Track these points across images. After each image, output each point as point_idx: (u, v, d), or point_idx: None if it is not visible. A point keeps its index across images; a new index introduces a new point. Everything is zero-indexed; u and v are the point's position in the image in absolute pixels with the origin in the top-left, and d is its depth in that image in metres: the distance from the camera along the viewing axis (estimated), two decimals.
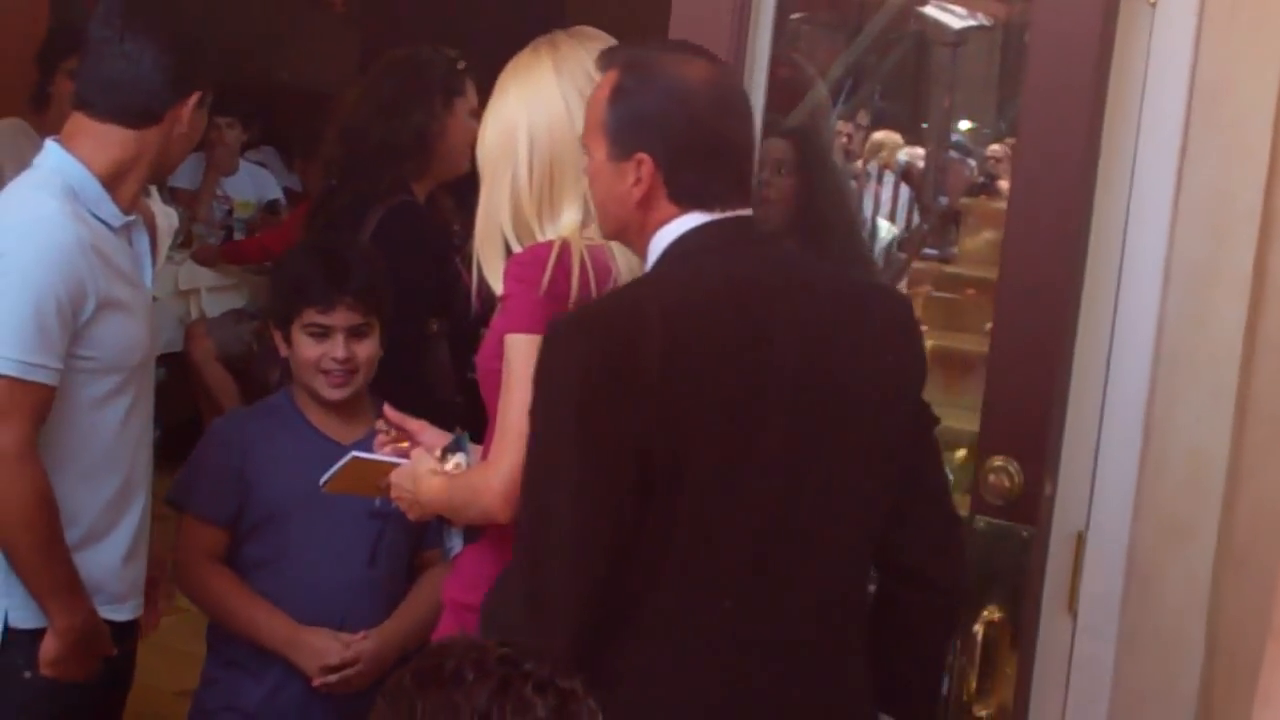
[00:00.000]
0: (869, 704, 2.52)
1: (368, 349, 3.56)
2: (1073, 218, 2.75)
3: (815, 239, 4.30)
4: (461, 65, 4.08)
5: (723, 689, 2.37)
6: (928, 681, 2.63)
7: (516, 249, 2.72)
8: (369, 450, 3.00)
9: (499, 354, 2.68)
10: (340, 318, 3.51)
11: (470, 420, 2.99)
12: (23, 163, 3.16)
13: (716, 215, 2.43)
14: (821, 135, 4.57)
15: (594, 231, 2.68)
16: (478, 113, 3.96)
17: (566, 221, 2.71)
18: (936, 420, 2.56)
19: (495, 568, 2.71)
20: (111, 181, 3.04)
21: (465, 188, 3.60)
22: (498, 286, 2.74)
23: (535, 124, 2.73)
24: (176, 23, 3.10)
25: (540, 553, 2.34)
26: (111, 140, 3.04)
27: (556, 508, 2.32)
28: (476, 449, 2.86)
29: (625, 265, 2.68)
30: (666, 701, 2.36)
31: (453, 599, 2.82)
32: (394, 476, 2.88)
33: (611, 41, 2.76)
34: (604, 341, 2.32)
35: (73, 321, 2.94)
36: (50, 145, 3.08)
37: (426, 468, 2.82)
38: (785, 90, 4.60)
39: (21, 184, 3.08)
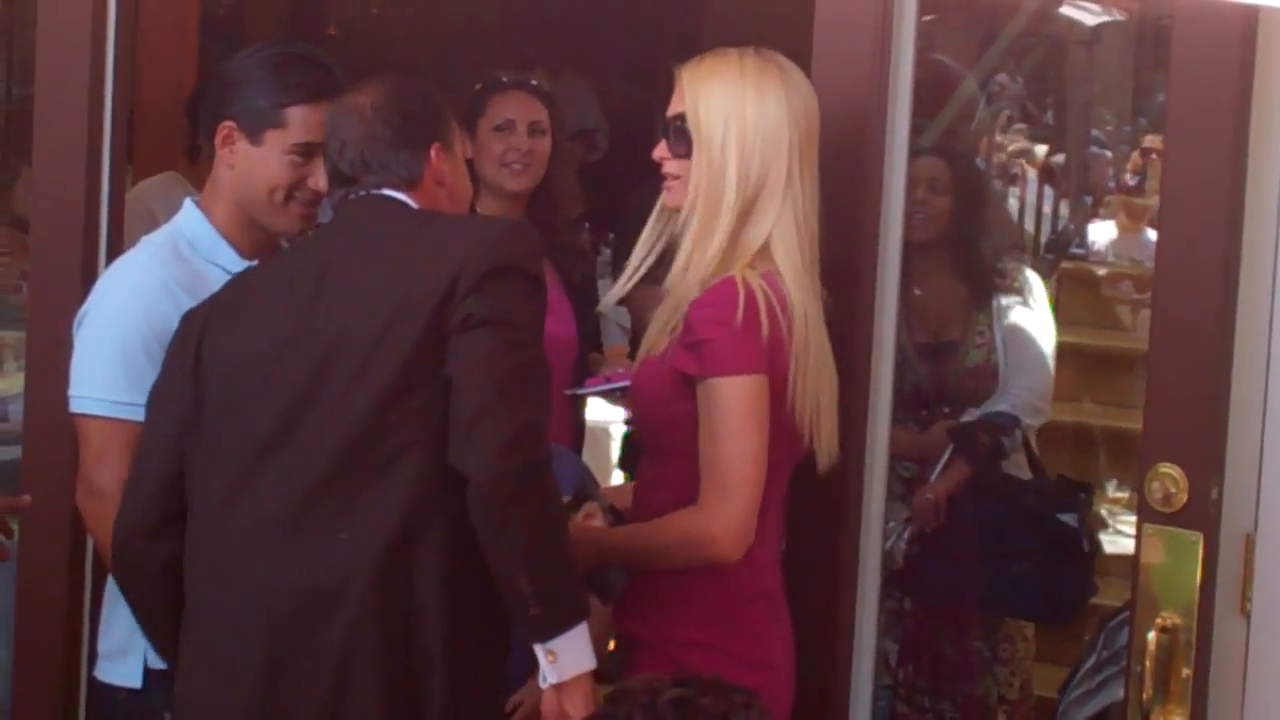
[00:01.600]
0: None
1: None
2: (1224, 222, 2.75)
3: (967, 253, 4.32)
4: (478, 87, 4.09)
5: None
6: (506, 582, 2.62)
7: (705, 252, 2.77)
8: None
9: (681, 394, 2.74)
10: None
11: None
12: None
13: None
14: (972, 150, 4.57)
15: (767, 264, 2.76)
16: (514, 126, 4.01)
17: (750, 240, 2.78)
18: (486, 323, 2.63)
19: (704, 597, 2.80)
20: (230, 229, 3.15)
21: None
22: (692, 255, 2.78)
23: (763, 130, 2.79)
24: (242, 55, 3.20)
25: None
26: (211, 193, 3.19)
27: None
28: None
29: (796, 289, 2.74)
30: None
31: (662, 635, 2.84)
32: None
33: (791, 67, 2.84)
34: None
35: (162, 357, 3.00)
36: (186, 202, 3.23)
37: (584, 528, 2.85)
38: (931, 92, 4.62)
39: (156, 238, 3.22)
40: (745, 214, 2.77)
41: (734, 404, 2.68)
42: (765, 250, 2.78)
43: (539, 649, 2.62)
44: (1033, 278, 4.45)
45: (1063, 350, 4.71)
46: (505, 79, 4.14)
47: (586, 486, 2.94)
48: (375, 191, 2.85)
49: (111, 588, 3.17)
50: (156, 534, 2.84)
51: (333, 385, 2.69)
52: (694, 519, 2.72)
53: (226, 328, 2.82)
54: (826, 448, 2.82)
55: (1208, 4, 2.65)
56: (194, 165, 5.13)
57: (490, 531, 2.60)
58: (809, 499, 3.00)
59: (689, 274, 2.79)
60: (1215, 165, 2.74)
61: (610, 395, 3.98)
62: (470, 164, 3.90)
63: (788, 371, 2.74)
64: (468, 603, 2.68)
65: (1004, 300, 4.35)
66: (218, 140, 3.12)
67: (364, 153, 2.85)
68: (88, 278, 3.44)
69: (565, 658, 2.62)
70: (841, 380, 2.89)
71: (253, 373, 2.76)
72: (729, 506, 2.67)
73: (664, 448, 2.86)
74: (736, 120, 2.77)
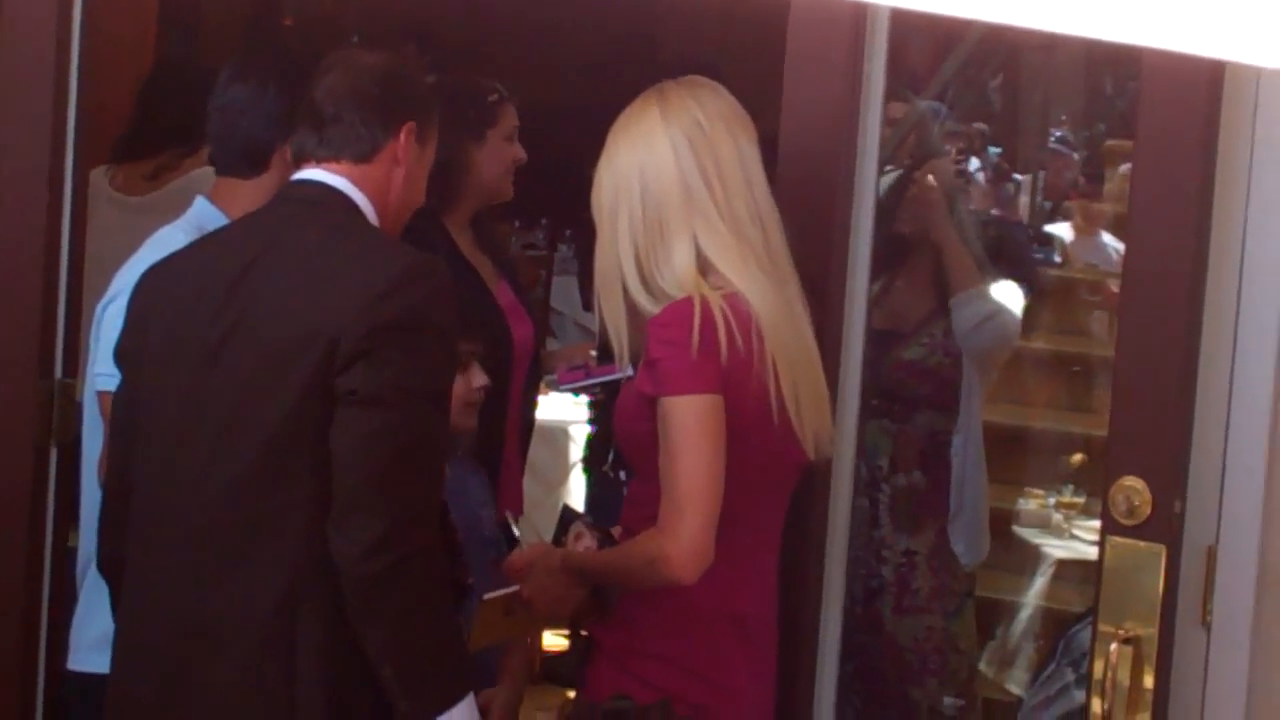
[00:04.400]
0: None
1: None
2: (1191, 236, 2.78)
3: (935, 266, 4.32)
4: (494, 96, 4.10)
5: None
6: (375, 669, 2.64)
7: (636, 293, 2.78)
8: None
9: (644, 415, 2.74)
10: None
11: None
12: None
13: None
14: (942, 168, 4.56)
15: (720, 279, 2.76)
16: (516, 136, 4.03)
17: (679, 264, 2.77)
18: (366, 402, 2.60)
19: (661, 611, 2.80)
20: None
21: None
22: (620, 331, 2.81)
23: (645, 169, 2.80)
24: (269, 66, 3.30)
25: None
26: (237, 191, 3.25)
27: None
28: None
29: (762, 308, 2.75)
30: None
31: (618, 643, 2.86)
32: (530, 585, 2.89)
33: (719, 89, 2.85)
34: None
35: None
36: (198, 200, 3.32)
37: (559, 555, 2.89)
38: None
39: (165, 235, 3.27)
40: (653, 247, 2.78)
41: (685, 423, 2.68)
42: (715, 269, 2.79)
43: None
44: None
45: (1021, 354, 4.74)
46: (505, 90, 4.14)
47: (581, 521, 2.94)
48: (320, 179, 2.82)
49: (91, 579, 3.20)
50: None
51: (222, 419, 2.69)
52: (650, 540, 2.72)
53: (144, 320, 2.85)
54: (818, 447, 2.85)
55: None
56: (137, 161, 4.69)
57: (356, 620, 2.62)
58: None
59: (639, 307, 2.80)
60: (1182, 180, 2.77)
61: (590, 389, 4.00)
62: (461, 171, 3.92)
63: (764, 390, 2.74)
64: (349, 676, 2.67)
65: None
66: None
67: (341, 105, 2.84)
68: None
69: None
70: None
71: (158, 378, 2.79)
72: (680, 526, 2.67)
73: (639, 468, 2.87)
74: (610, 182, 2.82)
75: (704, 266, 2.78)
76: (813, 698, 3.17)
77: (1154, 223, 2.79)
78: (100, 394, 3.19)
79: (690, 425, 2.67)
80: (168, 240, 3.17)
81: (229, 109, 3.26)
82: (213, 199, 3.29)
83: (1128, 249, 2.90)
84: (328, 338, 2.62)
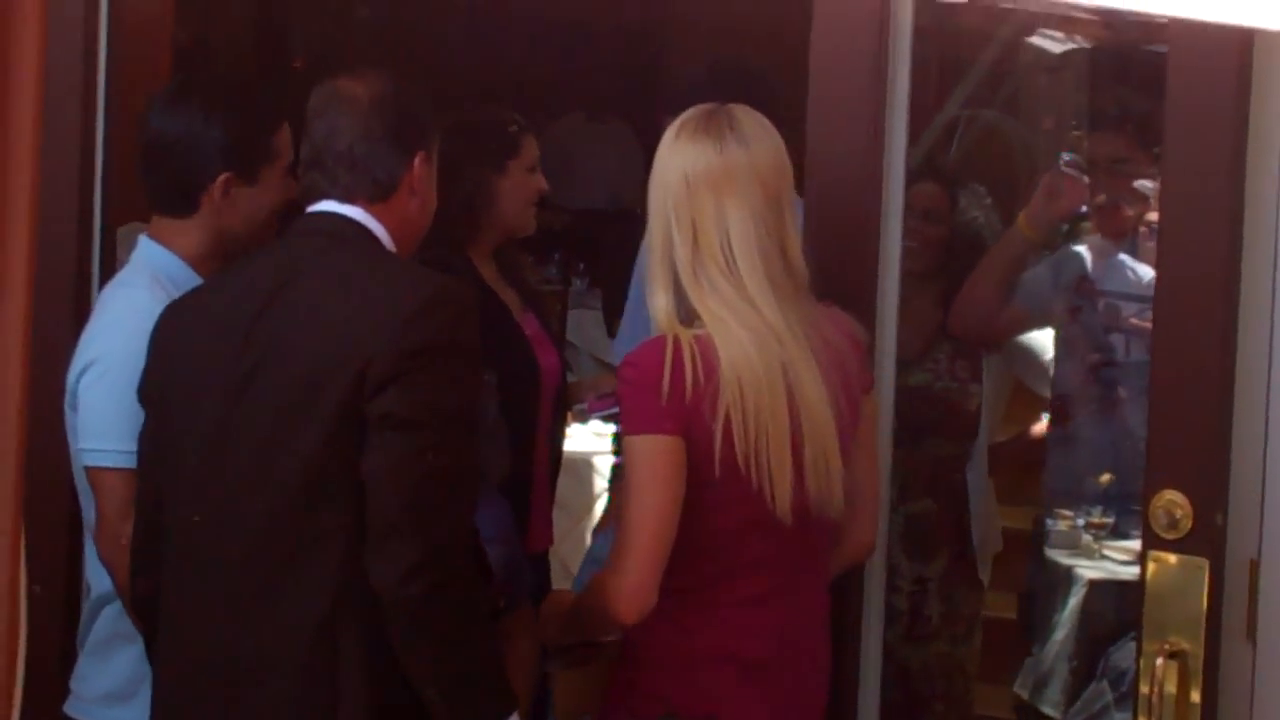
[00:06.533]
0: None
1: None
2: (1224, 249, 2.77)
3: (938, 291, 4.32)
4: (514, 127, 4.09)
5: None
6: (419, 691, 2.65)
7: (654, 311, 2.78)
8: None
9: None
10: None
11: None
12: None
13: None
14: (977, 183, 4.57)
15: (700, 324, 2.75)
16: (538, 167, 4.02)
17: (659, 305, 2.77)
18: (400, 426, 2.60)
19: (663, 650, 2.79)
20: (197, 264, 3.13)
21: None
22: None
23: (653, 194, 2.81)
24: (197, 102, 3.14)
25: None
26: (174, 230, 3.14)
27: None
28: None
29: (725, 354, 2.71)
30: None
31: (622, 677, 2.85)
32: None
33: (728, 134, 2.79)
34: None
35: None
36: (141, 239, 3.19)
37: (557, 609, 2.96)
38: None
39: (115, 283, 3.21)
40: (654, 279, 2.78)
41: (637, 462, 2.70)
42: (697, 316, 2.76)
43: None
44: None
45: None
46: (523, 121, 4.14)
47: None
48: (336, 210, 2.80)
49: (103, 626, 3.16)
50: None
51: (255, 450, 2.69)
52: (600, 579, 2.75)
53: (168, 358, 2.82)
54: (781, 500, 2.72)
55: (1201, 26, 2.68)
56: None
57: (398, 644, 2.62)
58: None
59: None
60: (1213, 193, 2.77)
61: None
62: (484, 204, 3.91)
63: (713, 434, 2.69)
64: (393, 700, 2.66)
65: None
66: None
67: (353, 147, 2.79)
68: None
69: None
70: None
71: (186, 414, 2.77)
72: (622, 564, 2.69)
73: None
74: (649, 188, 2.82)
75: (689, 312, 2.76)
76: None
77: (1185, 235, 2.79)
78: (89, 470, 3.05)
79: (641, 465, 2.69)
80: (134, 301, 3.06)
81: (153, 149, 3.12)
82: (156, 239, 3.16)
83: (1160, 263, 2.89)
84: (359, 363, 2.61)
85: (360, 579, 2.61)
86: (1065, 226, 6.71)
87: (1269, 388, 2.82)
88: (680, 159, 2.77)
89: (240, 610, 2.70)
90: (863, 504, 2.89)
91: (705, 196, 2.75)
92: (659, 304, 2.77)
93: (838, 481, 2.78)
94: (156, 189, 3.16)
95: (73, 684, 3.25)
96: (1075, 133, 6.65)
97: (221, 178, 3.09)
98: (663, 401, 2.67)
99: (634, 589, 2.68)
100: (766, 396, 2.71)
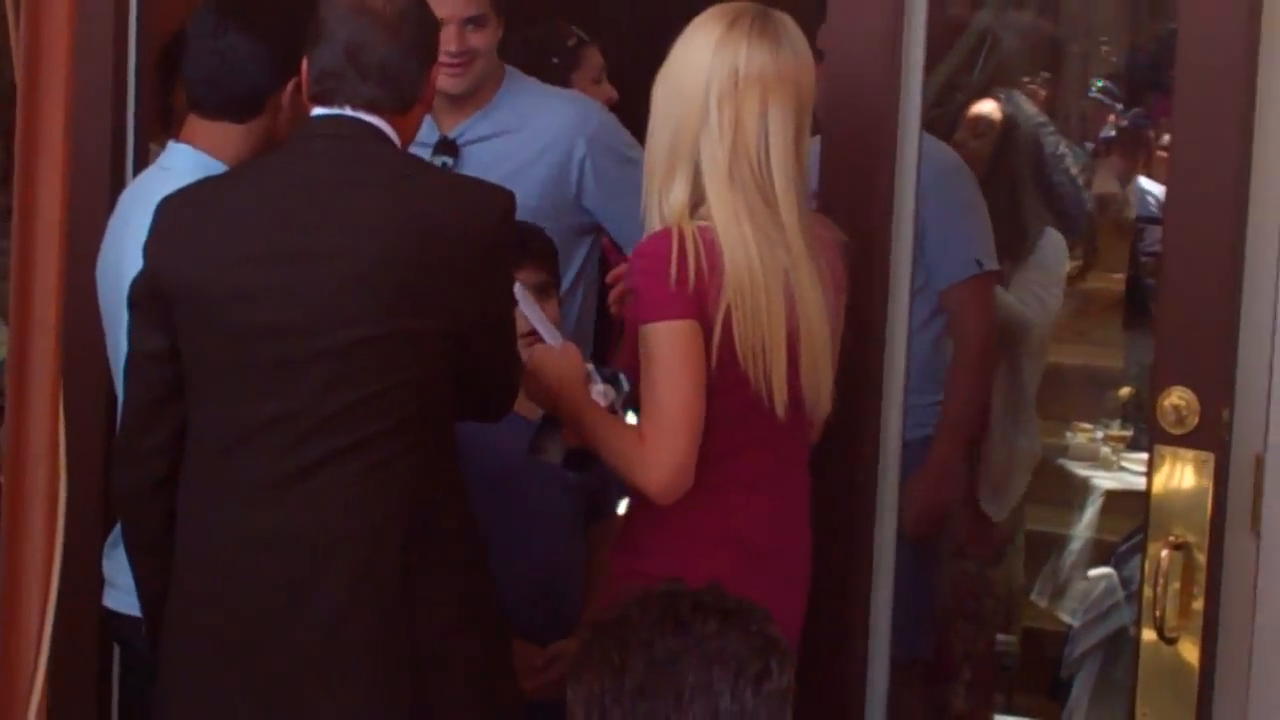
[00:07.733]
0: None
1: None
2: (1234, 143, 2.80)
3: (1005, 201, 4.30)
4: (572, 41, 4.09)
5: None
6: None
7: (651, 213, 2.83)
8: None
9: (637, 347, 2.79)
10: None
11: None
12: None
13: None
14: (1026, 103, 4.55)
15: (703, 211, 2.79)
16: (603, 77, 4.05)
17: (676, 199, 2.80)
18: (496, 324, 2.77)
19: (665, 534, 2.84)
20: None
21: None
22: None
23: (686, 87, 2.81)
24: (267, 12, 3.14)
25: None
26: (228, 136, 3.11)
27: None
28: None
29: (728, 241, 2.76)
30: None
31: (623, 566, 2.90)
32: (538, 355, 2.93)
33: (781, 37, 2.83)
34: None
35: None
36: (176, 146, 3.16)
37: (579, 376, 2.89)
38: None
39: (156, 187, 3.05)
40: (670, 171, 2.81)
41: (662, 348, 2.74)
42: (707, 209, 2.80)
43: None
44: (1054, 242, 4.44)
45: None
46: (583, 34, 4.15)
47: (618, 377, 2.91)
48: (355, 116, 2.77)
49: None
50: (154, 494, 2.82)
51: (324, 332, 2.66)
52: (636, 445, 2.78)
53: (194, 254, 2.75)
54: (779, 399, 2.78)
55: None
56: (165, 130, 4.45)
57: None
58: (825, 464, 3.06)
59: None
60: (1225, 88, 2.78)
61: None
62: None
63: (713, 325, 2.75)
64: (473, 601, 2.75)
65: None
66: None
67: (386, 60, 2.76)
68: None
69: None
70: (856, 343, 2.96)
71: (232, 304, 2.70)
72: (660, 446, 2.74)
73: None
74: (662, 80, 2.85)
75: (696, 203, 2.80)
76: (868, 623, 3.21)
77: (1196, 132, 2.81)
78: None
79: (667, 350, 2.73)
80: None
81: (231, 55, 3.08)
82: (197, 145, 3.13)
83: (1171, 159, 2.93)
84: (441, 270, 2.68)
85: (441, 478, 2.74)
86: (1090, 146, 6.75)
87: (1277, 286, 2.85)
88: (731, 55, 2.80)
89: (298, 501, 2.68)
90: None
91: (753, 95, 2.79)
92: (677, 196, 2.80)
93: (827, 385, 2.87)
94: (215, 93, 3.11)
95: (108, 574, 3.27)
96: (1104, 48, 6.66)
97: (291, 82, 3.07)
98: (674, 287, 2.73)
99: (670, 470, 2.73)
100: (765, 298, 2.76)
